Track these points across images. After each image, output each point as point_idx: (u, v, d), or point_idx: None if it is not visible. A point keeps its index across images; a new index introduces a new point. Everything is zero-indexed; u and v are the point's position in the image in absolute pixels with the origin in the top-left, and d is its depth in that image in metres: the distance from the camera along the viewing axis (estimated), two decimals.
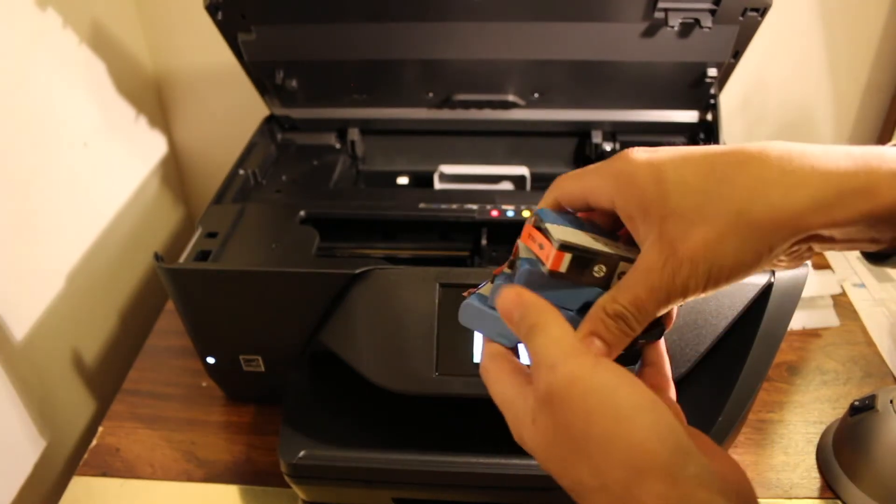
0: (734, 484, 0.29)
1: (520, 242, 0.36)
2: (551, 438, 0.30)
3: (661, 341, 0.36)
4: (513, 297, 0.32)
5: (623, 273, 0.32)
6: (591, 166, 0.33)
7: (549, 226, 0.33)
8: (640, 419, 0.28)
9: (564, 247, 0.31)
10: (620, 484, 0.28)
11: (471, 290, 0.37)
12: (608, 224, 0.35)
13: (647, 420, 0.28)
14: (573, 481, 0.30)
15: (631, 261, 0.32)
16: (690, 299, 0.30)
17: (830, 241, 0.29)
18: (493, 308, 0.34)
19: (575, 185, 0.34)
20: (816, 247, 0.30)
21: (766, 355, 0.54)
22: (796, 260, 0.32)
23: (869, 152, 0.29)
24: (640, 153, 0.31)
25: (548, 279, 0.33)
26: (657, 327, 0.33)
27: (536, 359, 0.31)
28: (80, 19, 0.77)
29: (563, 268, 0.32)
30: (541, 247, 0.33)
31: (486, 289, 0.36)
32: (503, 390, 0.33)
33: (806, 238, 0.29)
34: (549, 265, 0.32)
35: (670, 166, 0.30)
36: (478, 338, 0.53)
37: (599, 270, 0.32)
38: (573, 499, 0.31)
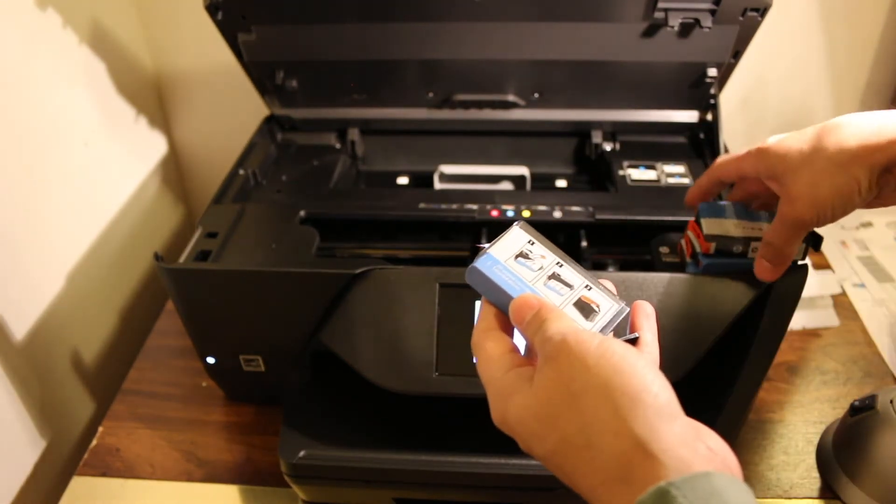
0: (720, 454, 0.30)
1: (689, 233, 0.55)
2: (547, 396, 0.32)
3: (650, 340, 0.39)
4: (530, 302, 0.37)
5: (756, 248, 0.50)
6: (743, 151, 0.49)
7: (703, 220, 0.53)
8: (639, 373, 0.31)
9: (709, 238, 0.52)
10: (607, 435, 0.29)
11: (482, 246, 0.41)
12: (759, 189, 0.52)
13: (648, 374, 0.31)
14: (559, 439, 0.31)
15: (759, 239, 0.50)
16: (812, 228, 0.45)
17: None
18: (502, 274, 0.39)
19: (730, 162, 0.51)
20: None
21: (766, 355, 0.54)
22: (889, 192, 0.43)
23: None
24: (773, 137, 0.47)
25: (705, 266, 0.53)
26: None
27: (553, 324, 0.35)
28: (81, 19, 0.77)
29: (712, 251, 0.52)
30: (698, 237, 0.53)
31: (497, 249, 0.40)
32: (492, 365, 0.36)
33: (887, 168, 0.41)
34: (702, 251, 0.53)
35: (789, 140, 0.45)
36: None
37: (738, 249, 0.52)
38: (548, 467, 0.32)
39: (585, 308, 0.38)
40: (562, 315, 0.36)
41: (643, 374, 0.31)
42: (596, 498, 0.30)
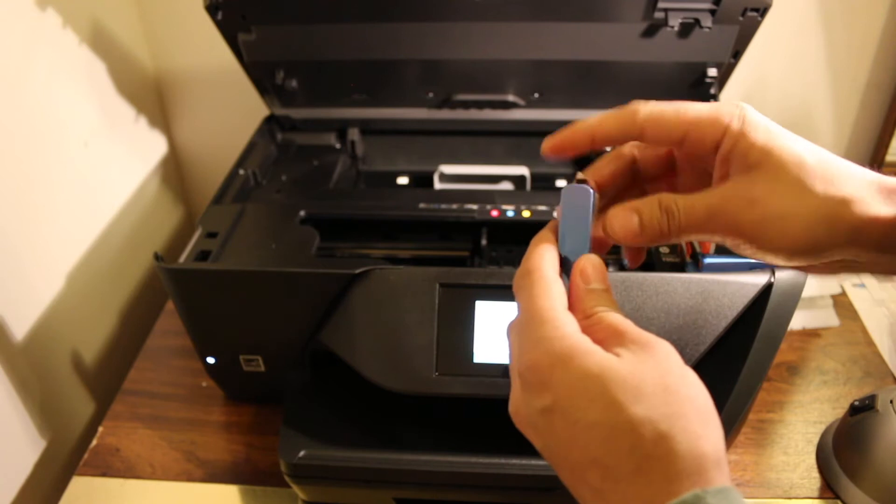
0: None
1: None
2: (641, 374, 0.30)
3: None
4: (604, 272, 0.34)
5: None
6: (689, 104, 0.35)
7: None
8: (708, 398, 0.30)
9: None
10: (690, 433, 0.28)
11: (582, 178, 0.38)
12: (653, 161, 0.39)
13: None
14: (642, 413, 0.29)
15: None
16: (725, 241, 0.34)
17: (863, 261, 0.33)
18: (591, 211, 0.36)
19: (674, 117, 0.35)
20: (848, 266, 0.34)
21: (766, 355, 0.54)
22: (830, 270, 0.35)
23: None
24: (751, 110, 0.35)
25: None
26: None
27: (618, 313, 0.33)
28: (81, 19, 0.77)
29: (712, 251, 0.54)
30: None
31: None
32: (557, 314, 0.32)
33: (846, 245, 0.32)
34: (702, 250, 0.54)
35: (784, 135, 0.33)
36: (478, 337, 0.53)
37: None
38: (577, 438, 0.30)
39: None
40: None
41: (713, 406, 0.31)
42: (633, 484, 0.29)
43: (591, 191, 0.36)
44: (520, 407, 0.33)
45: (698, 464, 0.28)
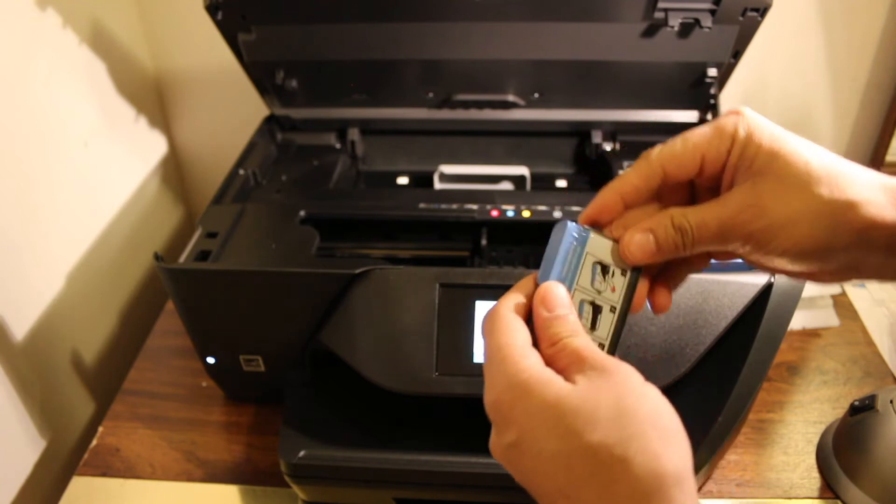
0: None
1: None
2: (595, 401, 0.30)
3: None
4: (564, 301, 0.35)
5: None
6: (690, 131, 0.36)
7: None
8: (676, 419, 0.30)
9: None
10: (649, 455, 0.29)
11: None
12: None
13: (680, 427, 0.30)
14: (596, 442, 0.30)
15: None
16: (737, 249, 0.34)
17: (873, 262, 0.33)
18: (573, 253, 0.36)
19: (682, 146, 0.36)
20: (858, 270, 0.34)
21: (766, 355, 0.54)
22: (837, 277, 0.35)
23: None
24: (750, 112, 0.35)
25: None
26: None
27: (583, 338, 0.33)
28: (81, 19, 0.77)
29: None
30: None
31: (595, 243, 0.37)
32: (515, 350, 0.33)
33: (856, 245, 0.32)
34: None
35: (789, 139, 0.34)
36: (478, 337, 0.53)
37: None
38: (544, 468, 0.31)
39: None
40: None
41: (678, 422, 0.31)
42: None
43: (571, 224, 0.36)
44: (494, 444, 0.33)
45: (658, 484, 0.28)
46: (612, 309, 0.36)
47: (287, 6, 0.67)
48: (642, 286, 0.37)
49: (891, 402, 0.57)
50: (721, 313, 0.53)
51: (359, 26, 0.69)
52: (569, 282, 0.35)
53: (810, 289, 0.78)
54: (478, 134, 0.81)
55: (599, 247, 0.37)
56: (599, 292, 0.36)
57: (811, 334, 0.76)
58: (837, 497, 0.59)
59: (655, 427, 0.29)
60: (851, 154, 0.98)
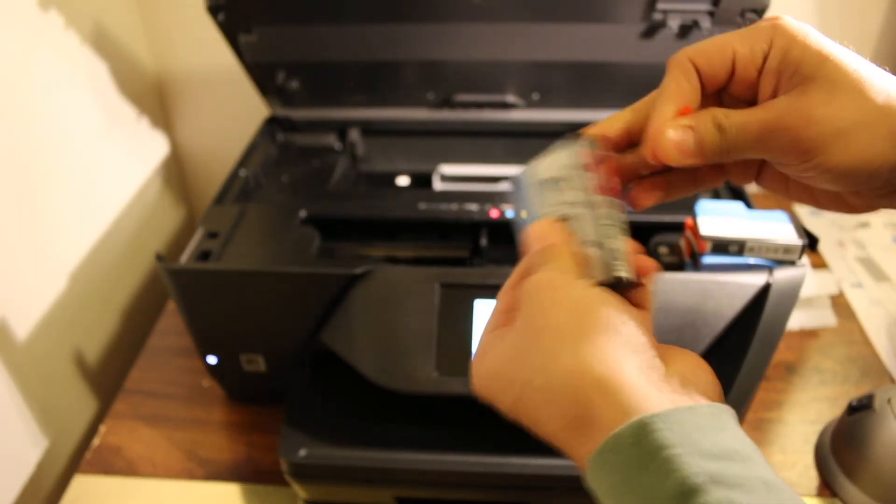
0: (701, 387, 0.29)
1: (687, 233, 0.58)
2: (514, 341, 0.31)
3: (649, 292, 0.35)
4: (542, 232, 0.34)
5: (752, 248, 0.54)
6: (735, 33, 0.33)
7: (699, 219, 0.56)
8: (611, 311, 0.30)
9: (705, 238, 0.54)
10: (566, 372, 0.28)
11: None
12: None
13: (622, 314, 0.30)
14: (523, 382, 0.30)
15: (756, 240, 0.54)
16: (778, 160, 0.31)
17: None
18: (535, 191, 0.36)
19: (714, 42, 0.33)
20: None
21: (764, 355, 0.55)
22: (882, 199, 0.32)
23: None
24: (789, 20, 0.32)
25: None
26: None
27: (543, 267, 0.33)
28: (82, 20, 0.78)
29: (708, 250, 0.54)
30: (696, 237, 0.56)
31: (547, 164, 0.36)
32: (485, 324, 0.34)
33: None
34: (699, 250, 0.55)
35: (835, 45, 0.31)
36: (477, 337, 0.54)
37: (734, 248, 0.54)
38: (517, 418, 0.31)
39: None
40: (565, 254, 0.33)
41: (616, 312, 0.29)
42: (562, 444, 0.29)
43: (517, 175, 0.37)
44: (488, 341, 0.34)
45: (585, 398, 0.28)
46: (587, 205, 0.34)
47: (288, 7, 0.68)
48: (609, 173, 0.35)
49: (888, 401, 0.57)
50: (719, 313, 0.53)
51: (359, 27, 0.70)
52: (536, 215, 0.36)
53: (808, 289, 0.79)
54: (477, 134, 0.81)
55: (545, 168, 0.36)
56: (569, 203, 0.35)
57: (809, 334, 0.76)
58: (835, 495, 0.59)
59: (571, 337, 0.29)
60: None
